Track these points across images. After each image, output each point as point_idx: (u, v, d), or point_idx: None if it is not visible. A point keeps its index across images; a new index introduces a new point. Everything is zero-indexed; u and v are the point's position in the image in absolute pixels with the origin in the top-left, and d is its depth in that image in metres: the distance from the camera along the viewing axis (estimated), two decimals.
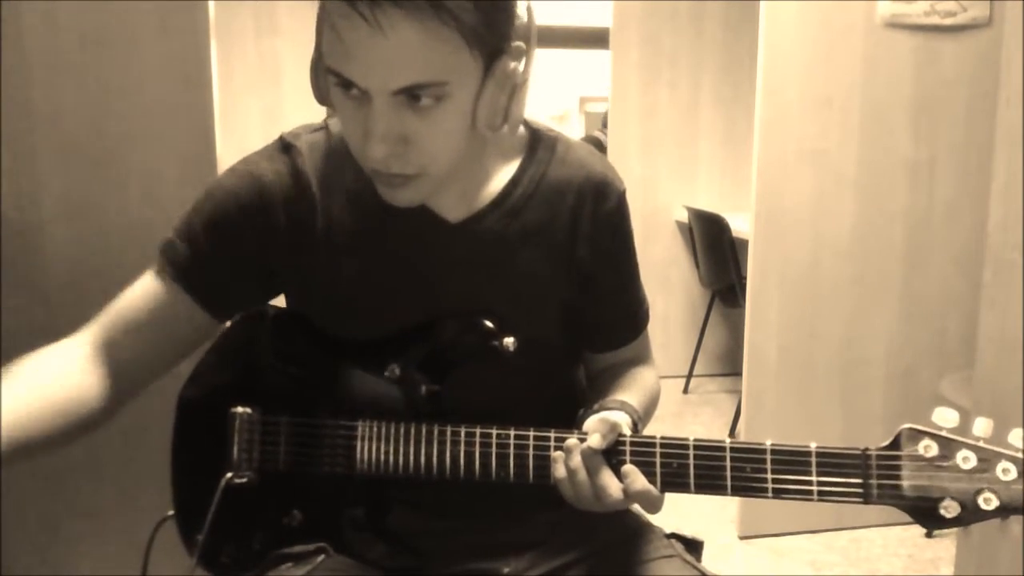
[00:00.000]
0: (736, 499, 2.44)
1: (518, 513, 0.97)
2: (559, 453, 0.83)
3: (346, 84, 0.77)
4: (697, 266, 3.74)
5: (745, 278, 2.41)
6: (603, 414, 0.85)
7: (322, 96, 0.85)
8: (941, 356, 2.44)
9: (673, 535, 0.98)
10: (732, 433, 3.20)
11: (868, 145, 2.32)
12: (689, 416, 3.56)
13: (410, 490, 0.91)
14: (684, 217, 3.72)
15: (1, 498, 1.61)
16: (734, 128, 3.83)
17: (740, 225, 3.12)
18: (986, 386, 1.59)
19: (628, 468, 0.81)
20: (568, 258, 0.95)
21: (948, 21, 2.28)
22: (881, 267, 2.39)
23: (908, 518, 0.78)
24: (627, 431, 0.83)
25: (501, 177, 0.94)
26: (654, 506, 0.81)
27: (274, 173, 0.91)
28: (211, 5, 1.60)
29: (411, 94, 0.76)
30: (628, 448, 0.82)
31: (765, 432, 2.38)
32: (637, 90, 3.81)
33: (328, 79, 0.80)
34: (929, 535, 2.43)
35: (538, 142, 0.96)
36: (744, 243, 2.56)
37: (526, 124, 0.97)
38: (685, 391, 3.85)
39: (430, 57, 0.75)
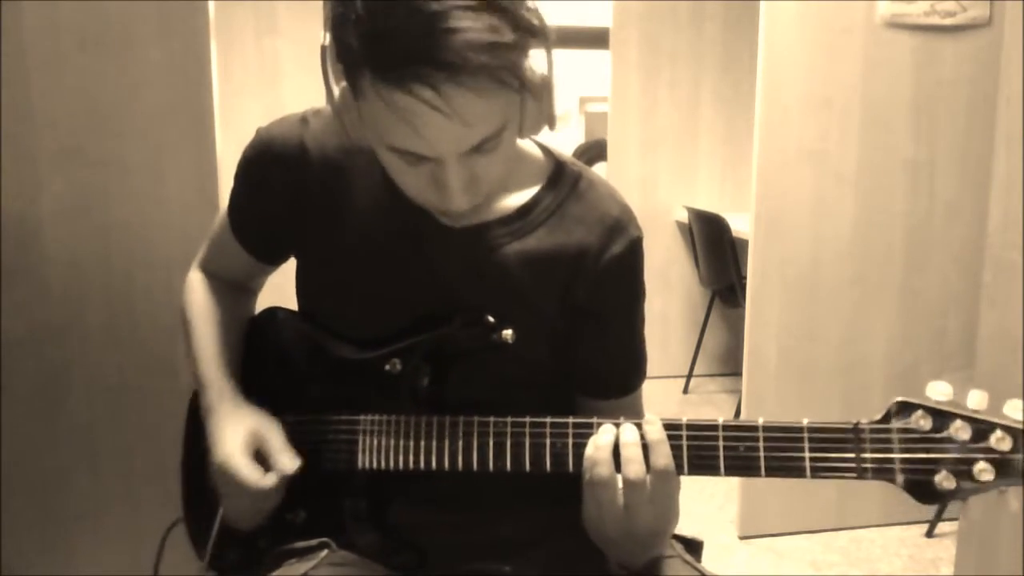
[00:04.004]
0: (736, 499, 2.44)
1: (519, 510, 0.97)
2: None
3: (411, 155, 0.78)
4: (697, 266, 3.73)
5: (745, 278, 2.41)
6: None
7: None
8: (941, 356, 2.44)
9: (673, 535, 0.98)
10: None
11: (868, 145, 2.32)
12: (689, 416, 3.55)
13: (412, 484, 0.92)
14: (684, 217, 3.72)
15: (1, 498, 1.61)
16: (734, 128, 3.83)
17: (740, 225, 3.12)
18: (986, 386, 1.59)
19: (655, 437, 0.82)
20: (564, 293, 0.94)
21: (948, 21, 2.27)
22: (881, 267, 2.39)
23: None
24: None
25: (515, 199, 0.94)
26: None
27: (297, 138, 0.93)
28: (211, 5, 1.60)
29: (478, 148, 0.78)
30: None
31: None
32: (637, 90, 3.81)
33: (383, 150, 0.81)
34: (929, 535, 2.43)
35: (561, 174, 0.96)
36: (744, 243, 2.56)
37: (551, 154, 0.98)
38: (685, 391, 3.85)
39: (491, 114, 0.76)
